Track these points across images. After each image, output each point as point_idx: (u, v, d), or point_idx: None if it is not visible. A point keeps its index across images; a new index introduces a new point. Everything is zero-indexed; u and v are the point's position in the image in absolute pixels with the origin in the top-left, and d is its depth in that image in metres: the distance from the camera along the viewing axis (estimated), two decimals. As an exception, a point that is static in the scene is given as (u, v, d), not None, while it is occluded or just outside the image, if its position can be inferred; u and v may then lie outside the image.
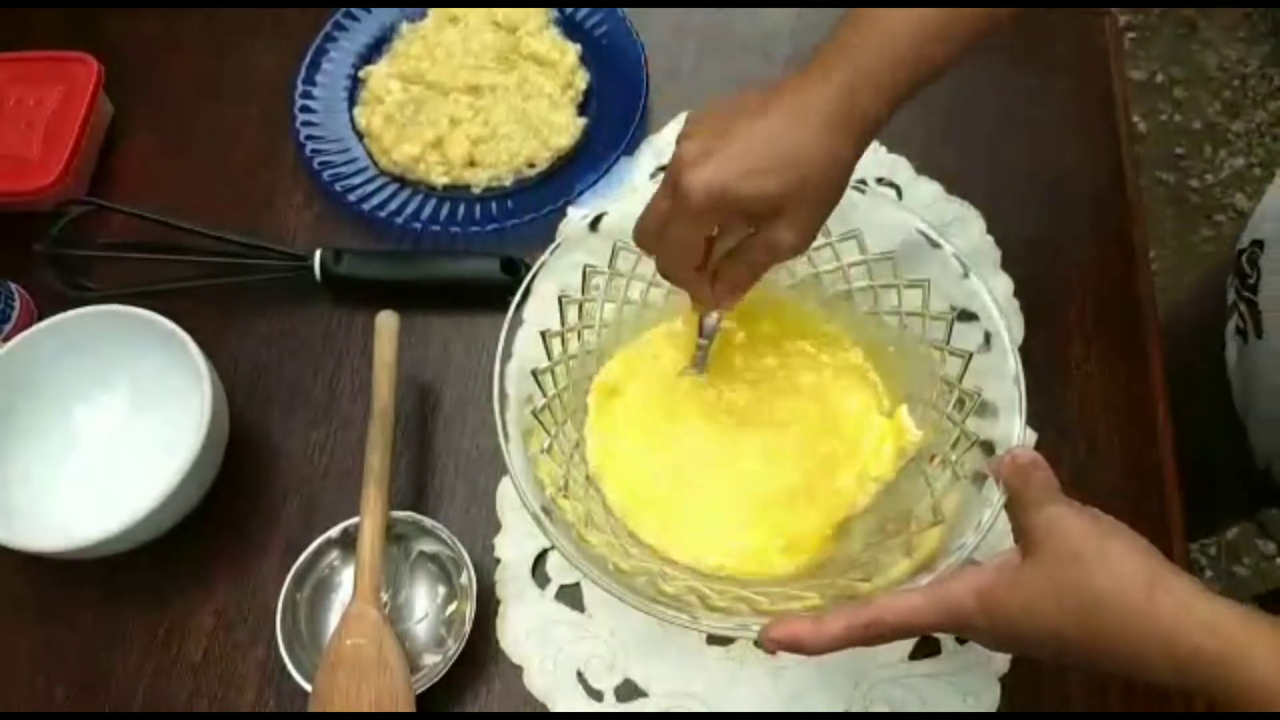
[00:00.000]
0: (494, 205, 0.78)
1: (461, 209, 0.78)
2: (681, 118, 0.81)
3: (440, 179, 0.79)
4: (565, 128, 0.80)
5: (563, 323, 0.63)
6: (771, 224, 0.52)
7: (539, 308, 0.62)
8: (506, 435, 0.57)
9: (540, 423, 0.59)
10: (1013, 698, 0.61)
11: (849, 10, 0.55)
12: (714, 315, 0.62)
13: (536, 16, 0.84)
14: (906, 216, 0.62)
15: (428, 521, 0.64)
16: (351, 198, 0.78)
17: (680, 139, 0.53)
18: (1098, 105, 0.81)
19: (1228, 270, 0.79)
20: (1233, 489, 0.82)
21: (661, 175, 0.76)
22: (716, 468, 0.63)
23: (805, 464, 0.63)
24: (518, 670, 0.63)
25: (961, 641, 0.62)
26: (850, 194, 0.62)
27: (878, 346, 0.65)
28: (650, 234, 0.55)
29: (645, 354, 0.67)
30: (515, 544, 0.66)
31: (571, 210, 0.77)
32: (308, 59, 0.84)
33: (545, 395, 0.61)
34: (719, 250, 0.55)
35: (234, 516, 0.69)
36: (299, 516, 0.69)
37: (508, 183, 0.79)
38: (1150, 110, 1.88)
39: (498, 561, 0.66)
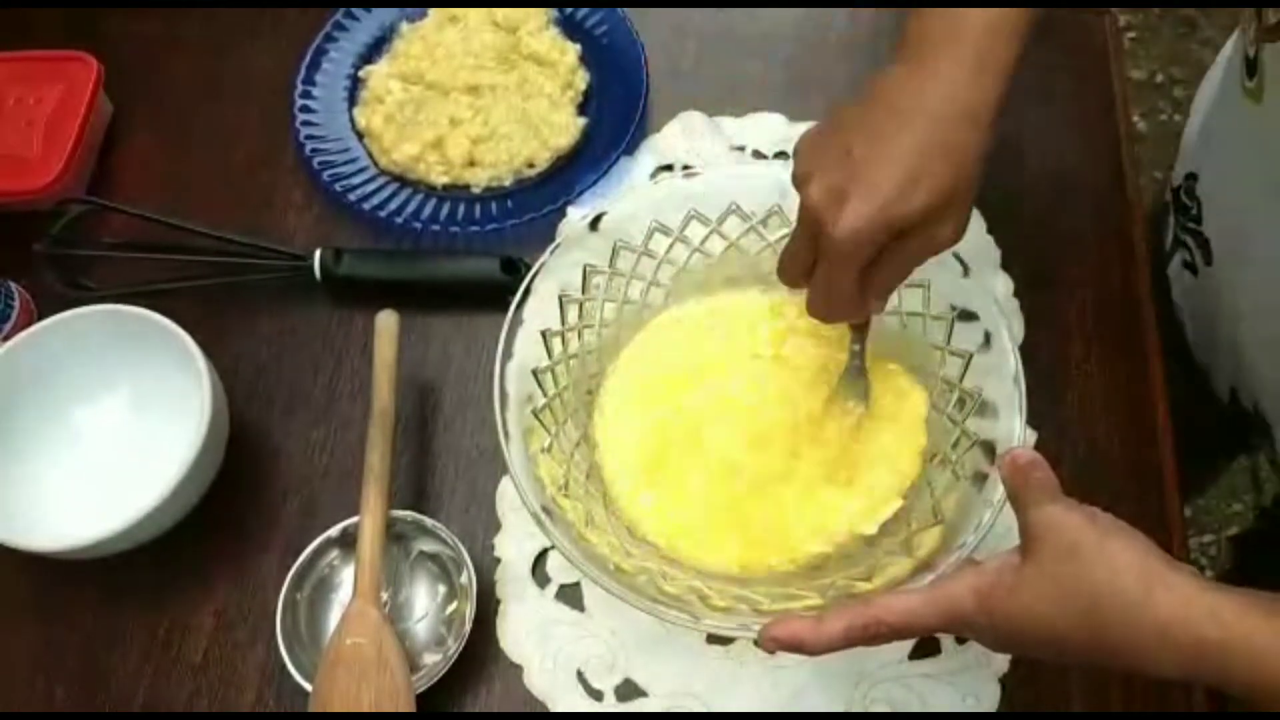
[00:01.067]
0: (494, 205, 0.78)
1: (461, 209, 0.78)
2: (683, 117, 0.80)
3: (440, 179, 0.79)
4: (565, 128, 0.80)
5: (563, 322, 0.63)
6: (926, 225, 0.50)
7: (539, 307, 0.62)
8: (507, 434, 0.57)
9: (540, 422, 0.60)
10: (1013, 698, 0.61)
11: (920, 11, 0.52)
12: (865, 324, 0.60)
13: (536, 16, 0.84)
14: (906, 216, 0.62)
15: (428, 521, 0.64)
16: (351, 198, 0.78)
17: (800, 182, 0.51)
18: (1098, 105, 0.81)
19: (1160, 214, 0.80)
20: (1207, 434, 0.82)
21: (662, 176, 0.77)
22: (719, 465, 0.63)
23: (810, 468, 0.62)
24: (518, 670, 0.63)
25: (961, 641, 0.62)
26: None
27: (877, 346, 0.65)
28: (799, 276, 0.53)
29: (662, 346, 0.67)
30: (515, 544, 0.66)
31: (571, 210, 0.77)
32: (308, 59, 0.84)
33: (545, 395, 0.61)
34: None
35: (234, 516, 0.69)
36: (299, 516, 0.69)
37: (508, 183, 0.79)
38: (1150, 110, 1.88)
39: (498, 561, 0.66)
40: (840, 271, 0.51)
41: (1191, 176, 0.74)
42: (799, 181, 0.51)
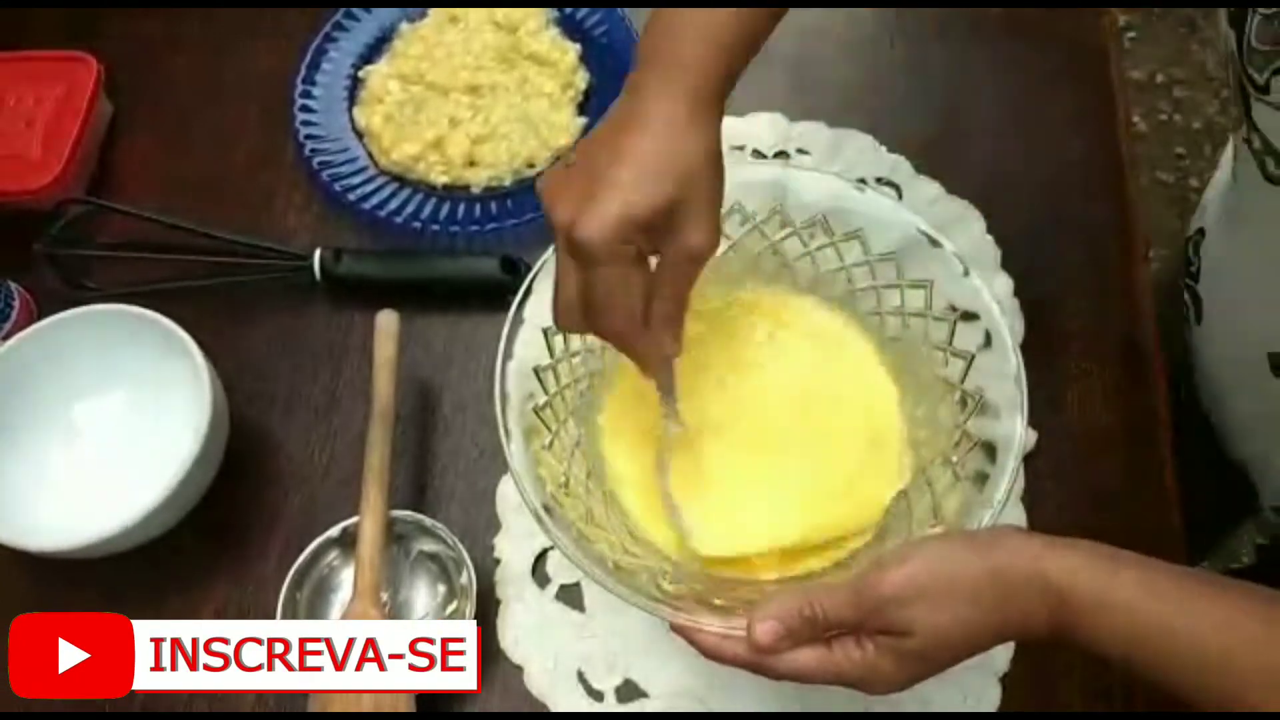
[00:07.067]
0: (494, 205, 0.78)
1: (461, 209, 0.78)
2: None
3: (440, 178, 0.79)
4: (565, 127, 0.80)
5: (563, 321, 0.62)
6: (676, 234, 0.51)
7: (539, 307, 0.62)
8: (508, 433, 0.57)
9: (542, 420, 0.59)
10: (1013, 698, 0.61)
11: (653, 14, 0.55)
12: (667, 372, 0.58)
13: (536, 16, 0.84)
14: (907, 216, 0.62)
15: (428, 521, 0.64)
16: (351, 197, 0.78)
17: (547, 210, 0.52)
18: (1098, 105, 0.81)
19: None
20: (1217, 493, 0.82)
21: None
22: (719, 463, 0.63)
23: (817, 468, 0.62)
24: (518, 670, 0.63)
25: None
26: (851, 193, 0.63)
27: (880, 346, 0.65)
28: (575, 310, 0.52)
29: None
30: (515, 544, 0.66)
31: (571, 210, 0.77)
32: (308, 59, 0.84)
33: (547, 393, 0.61)
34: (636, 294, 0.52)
35: (234, 516, 0.69)
36: (299, 516, 0.69)
37: (508, 182, 0.79)
38: (1150, 110, 1.88)
39: (498, 561, 0.66)
40: (604, 278, 0.50)
41: (1200, 231, 0.73)
42: (547, 210, 0.52)
